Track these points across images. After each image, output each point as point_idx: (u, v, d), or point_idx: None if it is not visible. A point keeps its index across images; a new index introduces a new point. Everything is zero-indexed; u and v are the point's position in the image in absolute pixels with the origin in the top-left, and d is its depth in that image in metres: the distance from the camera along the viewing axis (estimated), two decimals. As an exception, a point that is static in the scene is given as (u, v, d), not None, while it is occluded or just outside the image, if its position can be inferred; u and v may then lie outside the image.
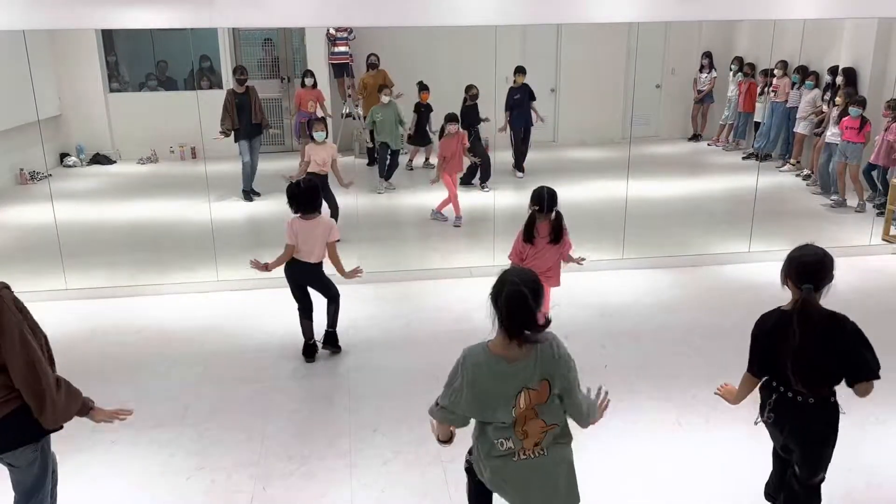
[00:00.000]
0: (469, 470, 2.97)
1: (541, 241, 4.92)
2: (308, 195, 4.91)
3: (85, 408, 2.91)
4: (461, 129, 8.27)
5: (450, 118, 8.09)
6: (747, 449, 3.91)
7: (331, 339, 5.26)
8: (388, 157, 9.26)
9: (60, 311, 5.91)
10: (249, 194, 8.98)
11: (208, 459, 4.05)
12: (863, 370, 2.91)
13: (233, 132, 8.75)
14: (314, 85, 9.58)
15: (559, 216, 4.90)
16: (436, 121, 9.38)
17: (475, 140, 9.15)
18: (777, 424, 3.07)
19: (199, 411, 4.56)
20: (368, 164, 10.07)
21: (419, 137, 9.83)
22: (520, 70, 9.80)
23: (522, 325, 2.57)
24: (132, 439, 4.26)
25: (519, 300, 2.55)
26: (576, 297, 6.26)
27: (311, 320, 5.20)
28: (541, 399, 2.62)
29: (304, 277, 5.10)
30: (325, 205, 5.55)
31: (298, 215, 4.94)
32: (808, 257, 2.94)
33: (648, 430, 4.32)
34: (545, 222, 4.90)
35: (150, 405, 4.63)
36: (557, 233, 4.91)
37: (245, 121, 8.81)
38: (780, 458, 3.29)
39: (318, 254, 4.99)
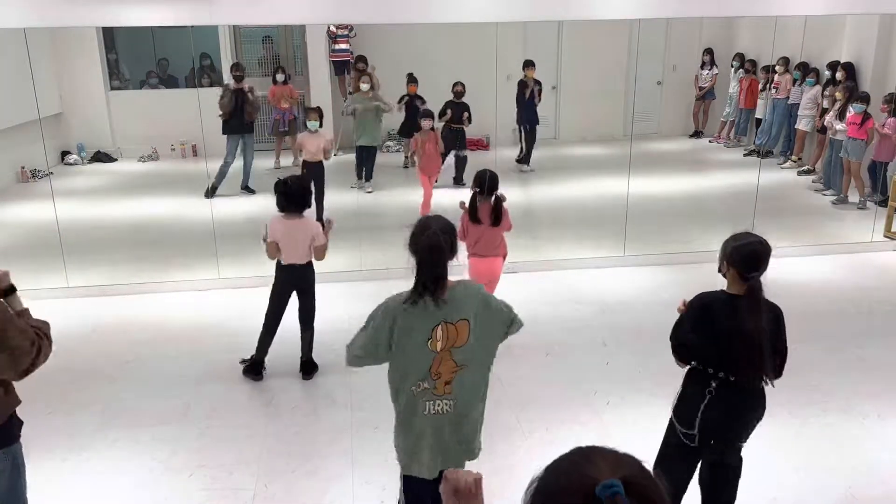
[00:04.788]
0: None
1: (484, 222, 4.99)
2: (297, 193, 4.72)
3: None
4: (436, 127, 8.14)
5: (423, 114, 8.01)
6: (747, 446, 3.90)
7: (307, 367, 5.02)
8: (365, 156, 9.03)
9: (62, 308, 5.90)
10: (213, 192, 8.65)
11: (210, 457, 4.05)
12: (780, 368, 3.05)
13: (223, 123, 8.80)
14: (285, 81, 9.58)
15: (498, 200, 4.95)
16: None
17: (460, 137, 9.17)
18: (715, 411, 3.04)
19: (200, 409, 4.56)
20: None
21: (409, 129, 9.80)
22: (529, 64, 9.79)
23: (437, 278, 2.67)
24: (134, 437, 4.27)
25: (436, 251, 2.65)
26: (577, 294, 6.27)
27: (273, 337, 4.96)
28: (459, 340, 2.74)
29: (296, 282, 4.88)
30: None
31: (282, 214, 4.75)
32: (754, 245, 3.00)
33: (650, 429, 4.31)
34: (485, 204, 4.97)
35: (152, 403, 4.64)
36: (497, 216, 4.98)
37: (237, 117, 8.84)
38: (684, 458, 3.24)
39: (305, 254, 4.82)
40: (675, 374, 4.92)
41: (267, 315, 4.94)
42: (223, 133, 8.83)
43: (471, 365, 2.80)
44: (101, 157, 10.54)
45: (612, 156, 10.05)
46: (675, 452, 3.22)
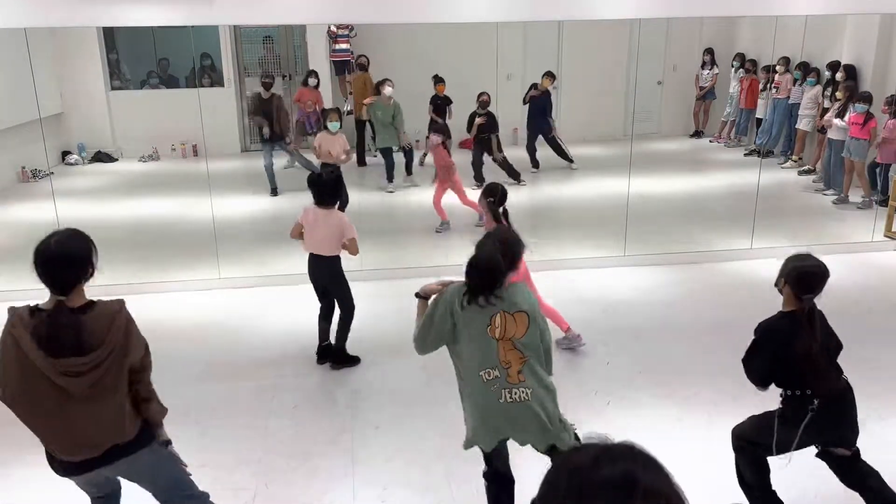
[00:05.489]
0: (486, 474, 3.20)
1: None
2: (330, 186, 4.90)
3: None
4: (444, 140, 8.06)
5: (436, 129, 8.00)
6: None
7: (329, 354, 5.05)
8: (388, 157, 9.17)
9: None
10: (274, 192, 9.20)
11: (210, 457, 4.05)
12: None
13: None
14: (317, 86, 9.64)
15: (507, 212, 5.02)
16: (457, 114, 9.39)
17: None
18: (818, 426, 3.10)
19: (201, 409, 4.56)
20: (359, 165, 10.02)
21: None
22: (548, 74, 9.87)
23: (491, 289, 2.93)
24: (134, 437, 4.26)
25: (494, 269, 2.94)
26: (577, 294, 6.26)
27: (329, 322, 5.10)
28: (518, 331, 2.94)
29: (321, 274, 4.97)
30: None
31: (316, 205, 4.89)
32: (813, 269, 3.08)
33: (650, 428, 4.32)
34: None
35: (153, 403, 4.64)
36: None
37: (268, 127, 9.05)
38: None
39: (330, 247, 4.90)
40: (676, 374, 4.94)
41: (319, 301, 5.11)
42: (261, 141, 9.25)
43: (534, 355, 2.98)
44: (101, 157, 10.55)
45: (613, 156, 10.03)
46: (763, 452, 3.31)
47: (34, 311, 2.67)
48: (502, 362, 2.91)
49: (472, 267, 2.96)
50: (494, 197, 4.99)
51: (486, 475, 3.22)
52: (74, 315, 2.67)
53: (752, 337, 3.17)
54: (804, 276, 3.05)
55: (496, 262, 2.95)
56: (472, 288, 2.96)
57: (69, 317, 2.66)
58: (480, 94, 9.04)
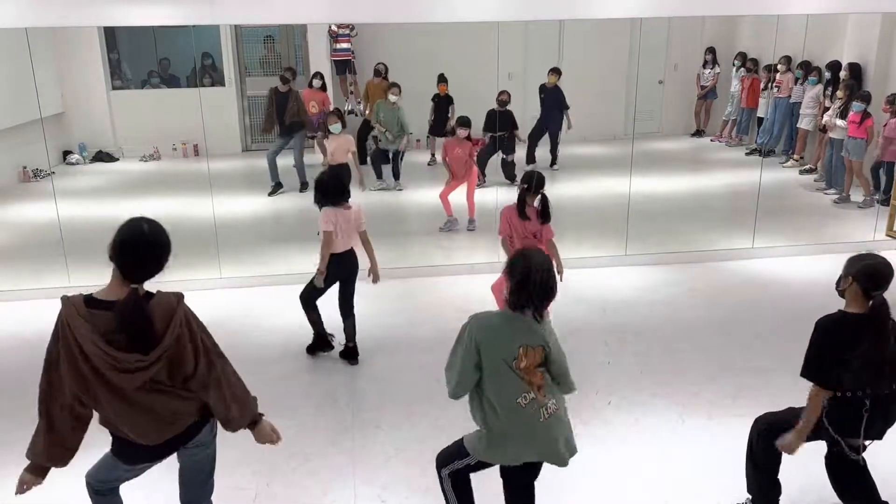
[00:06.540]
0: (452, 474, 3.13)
1: (532, 218, 5.13)
2: (335, 185, 4.90)
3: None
4: (478, 137, 8.20)
5: (461, 122, 8.00)
6: (740, 446, 3.90)
7: (351, 353, 5.16)
8: (390, 159, 9.26)
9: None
10: (277, 186, 9.23)
11: (211, 457, 4.05)
12: None
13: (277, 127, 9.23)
14: (322, 87, 9.65)
15: (545, 197, 5.08)
16: (468, 112, 9.38)
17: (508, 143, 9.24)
18: (867, 424, 3.05)
19: (201, 408, 4.56)
20: (361, 163, 10.07)
21: (438, 128, 9.85)
22: (553, 71, 9.91)
23: (543, 304, 2.96)
24: (135, 437, 4.26)
25: (550, 285, 2.95)
26: (578, 294, 6.26)
27: (318, 312, 5.12)
28: (537, 360, 2.95)
29: (350, 264, 5.03)
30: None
31: (331, 205, 4.88)
32: (881, 265, 3.06)
33: (651, 428, 4.32)
34: (532, 202, 5.12)
35: (153, 402, 4.64)
36: (545, 212, 5.12)
37: (281, 120, 9.10)
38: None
39: (354, 238, 5.01)
40: (677, 374, 4.94)
41: (302, 296, 5.08)
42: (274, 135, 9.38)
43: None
44: (102, 156, 10.57)
45: (614, 155, 10.04)
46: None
47: (90, 300, 2.49)
48: (533, 385, 2.94)
49: (534, 283, 2.92)
50: (529, 184, 5.08)
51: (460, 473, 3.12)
52: (146, 307, 2.50)
53: (812, 335, 3.08)
54: (875, 273, 3.00)
55: (555, 280, 2.97)
56: (527, 302, 2.94)
57: (143, 309, 2.49)
58: (500, 94, 9.05)
